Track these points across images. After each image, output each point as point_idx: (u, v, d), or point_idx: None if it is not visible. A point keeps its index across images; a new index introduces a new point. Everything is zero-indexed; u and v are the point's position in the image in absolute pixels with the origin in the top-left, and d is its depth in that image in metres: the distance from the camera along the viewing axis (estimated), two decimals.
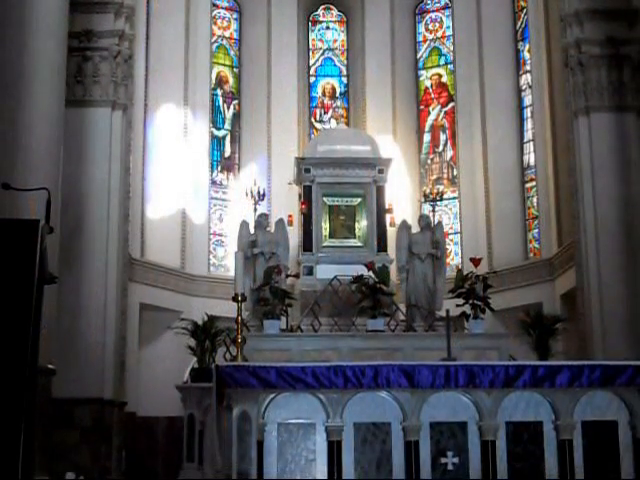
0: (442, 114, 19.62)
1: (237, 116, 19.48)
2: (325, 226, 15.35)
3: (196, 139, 18.39)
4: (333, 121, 19.38)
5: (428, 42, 19.94)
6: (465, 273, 13.58)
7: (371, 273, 13.67)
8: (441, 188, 17.01)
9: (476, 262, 13.40)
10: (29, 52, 11.15)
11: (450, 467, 8.33)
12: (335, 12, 20.55)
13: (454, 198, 19.05)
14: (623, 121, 14.40)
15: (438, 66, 19.81)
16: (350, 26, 20.38)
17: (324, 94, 20.18)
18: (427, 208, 16.87)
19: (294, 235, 15.94)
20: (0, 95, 10.95)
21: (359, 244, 15.32)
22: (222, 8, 19.66)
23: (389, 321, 13.92)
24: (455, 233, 18.94)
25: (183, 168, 17.91)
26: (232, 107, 19.47)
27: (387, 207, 15.52)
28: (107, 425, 13.75)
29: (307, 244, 15.27)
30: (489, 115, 18.41)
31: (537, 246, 17.56)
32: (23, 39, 11.14)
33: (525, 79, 18.32)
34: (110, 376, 14.05)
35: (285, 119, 19.14)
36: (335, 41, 20.47)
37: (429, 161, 19.61)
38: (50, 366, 10.64)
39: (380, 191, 15.45)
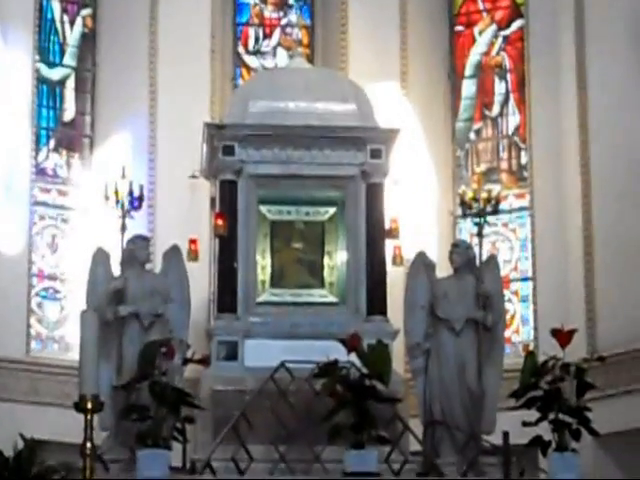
0: (500, 43, 20.31)
1: (89, 40, 20.06)
2: (263, 263, 15.84)
3: (8, 84, 18.83)
4: (282, 52, 20.32)
5: None
6: (542, 359, 13.84)
7: (354, 357, 13.90)
8: (497, 190, 17.09)
9: (564, 338, 13.75)
10: None
11: None
12: None
13: (522, 209, 19.60)
14: None
15: None
16: None
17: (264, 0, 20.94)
18: (468, 229, 17.76)
19: (201, 280, 16.39)
20: None
21: (331, 299, 15.91)
22: None
23: (390, 453, 14.10)
24: (524, 279, 19.54)
25: None
26: (80, 23, 20.09)
27: (389, 226, 15.96)
28: None
29: (226, 298, 15.62)
30: (592, 44, 18.77)
31: None
32: None
33: None
34: None
35: (186, 47, 19.54)
36: None
37: (473, 135, 20.35)
38: None
39: (374, 193, 15.92)
